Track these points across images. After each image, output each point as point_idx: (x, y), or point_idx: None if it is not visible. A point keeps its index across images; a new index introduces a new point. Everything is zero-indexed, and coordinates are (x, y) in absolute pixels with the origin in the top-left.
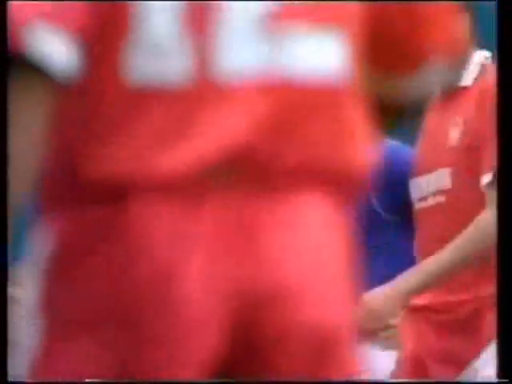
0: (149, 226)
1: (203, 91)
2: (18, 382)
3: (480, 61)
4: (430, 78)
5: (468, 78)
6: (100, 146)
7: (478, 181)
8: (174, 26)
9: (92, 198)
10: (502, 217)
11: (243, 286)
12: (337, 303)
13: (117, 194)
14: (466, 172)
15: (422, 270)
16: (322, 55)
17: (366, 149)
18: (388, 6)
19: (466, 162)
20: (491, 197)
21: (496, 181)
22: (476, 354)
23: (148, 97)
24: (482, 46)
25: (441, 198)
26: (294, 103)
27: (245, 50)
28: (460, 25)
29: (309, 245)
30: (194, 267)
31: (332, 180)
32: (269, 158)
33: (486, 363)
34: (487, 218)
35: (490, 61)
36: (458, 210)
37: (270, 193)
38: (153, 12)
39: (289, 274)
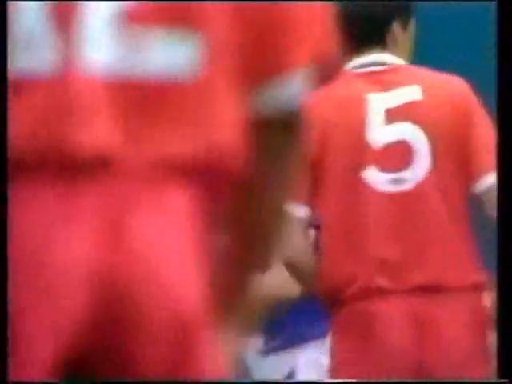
0: (29, 205)
1: (69, 84)
2: (19, 381)
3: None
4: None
5: None
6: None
7: None
8: (41, 23)
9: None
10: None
11: (106, 274)
12: (191, 290)
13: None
14: None
15: None
16: (175, 57)
17: (232, 139)
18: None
19: None
20: None
21: None
22: None
23: (24, 87)
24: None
25: None
26: (148, 103)
27: (101, 48)
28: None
29: (167, 234)
30: (63, 251)
31: (195, 171)
32: (129, 155)
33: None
34: None
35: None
36: None
37: (136, 188)
38: (22, 10)
39: (147, 265)
